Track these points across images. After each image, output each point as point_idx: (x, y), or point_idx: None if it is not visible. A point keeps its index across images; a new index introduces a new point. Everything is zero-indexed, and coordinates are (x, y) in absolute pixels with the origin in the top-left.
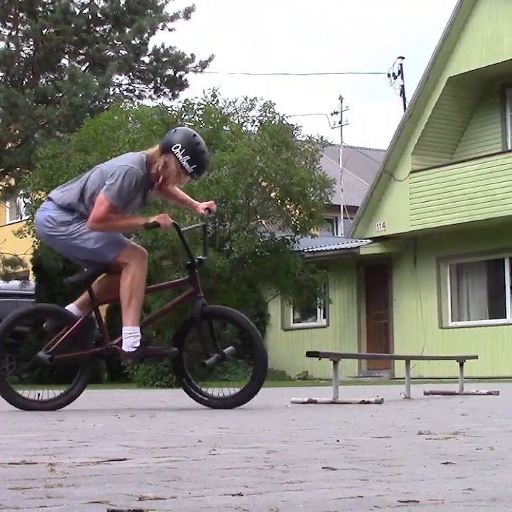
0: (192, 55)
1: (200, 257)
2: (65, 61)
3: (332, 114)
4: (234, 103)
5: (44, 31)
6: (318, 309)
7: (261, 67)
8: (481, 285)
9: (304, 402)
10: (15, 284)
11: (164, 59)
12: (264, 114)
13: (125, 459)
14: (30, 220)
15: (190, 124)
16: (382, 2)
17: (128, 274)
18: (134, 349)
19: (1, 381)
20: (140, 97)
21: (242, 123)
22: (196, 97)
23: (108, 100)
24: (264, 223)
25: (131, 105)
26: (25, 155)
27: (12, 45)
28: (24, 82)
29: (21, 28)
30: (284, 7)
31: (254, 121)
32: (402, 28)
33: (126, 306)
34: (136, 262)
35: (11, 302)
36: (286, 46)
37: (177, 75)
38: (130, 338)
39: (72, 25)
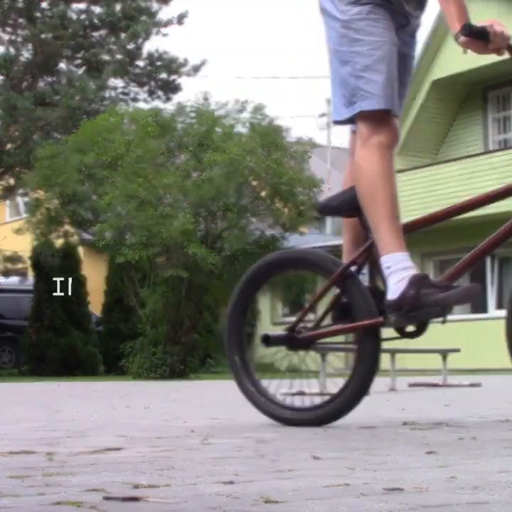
0: (185, 59)
1: None
2: (62, 65)
3: (320, 116)
4: (225, 105)
5: (42, 36)
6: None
7: (252, 70)
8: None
9: (293, 394)
10: (14, 280)
11: (158, 63)
12: (254, 116)
13: (120, 449)
14: (29, 218)
15: (183, 125)
16: None
17: (360, 159)
18: (399, 294)
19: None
20: (135, 100)
21: (233, 125)
22: (189, 100)
23: (104, 103)
24: (254, 221)
25: (126, 108)
26: (24, 155)
27: (12, 49)
28: (23, 86)
29: (21, 33)
30: (275, 9)
31: (245, 122)
32: None
33: (371, 219)
34: (378, 138)
35: (10, 297)
36: (277, 49)
37: (171, 79)
38: (393, 274)
39: (70, 31)
